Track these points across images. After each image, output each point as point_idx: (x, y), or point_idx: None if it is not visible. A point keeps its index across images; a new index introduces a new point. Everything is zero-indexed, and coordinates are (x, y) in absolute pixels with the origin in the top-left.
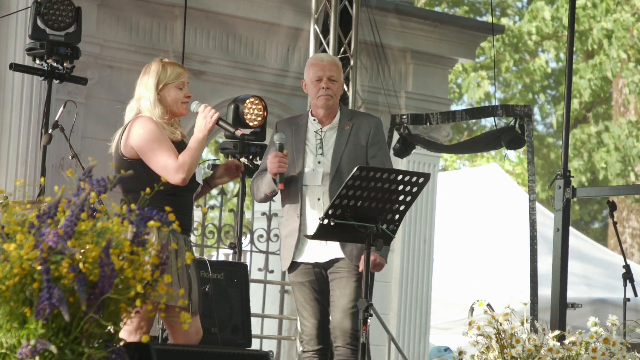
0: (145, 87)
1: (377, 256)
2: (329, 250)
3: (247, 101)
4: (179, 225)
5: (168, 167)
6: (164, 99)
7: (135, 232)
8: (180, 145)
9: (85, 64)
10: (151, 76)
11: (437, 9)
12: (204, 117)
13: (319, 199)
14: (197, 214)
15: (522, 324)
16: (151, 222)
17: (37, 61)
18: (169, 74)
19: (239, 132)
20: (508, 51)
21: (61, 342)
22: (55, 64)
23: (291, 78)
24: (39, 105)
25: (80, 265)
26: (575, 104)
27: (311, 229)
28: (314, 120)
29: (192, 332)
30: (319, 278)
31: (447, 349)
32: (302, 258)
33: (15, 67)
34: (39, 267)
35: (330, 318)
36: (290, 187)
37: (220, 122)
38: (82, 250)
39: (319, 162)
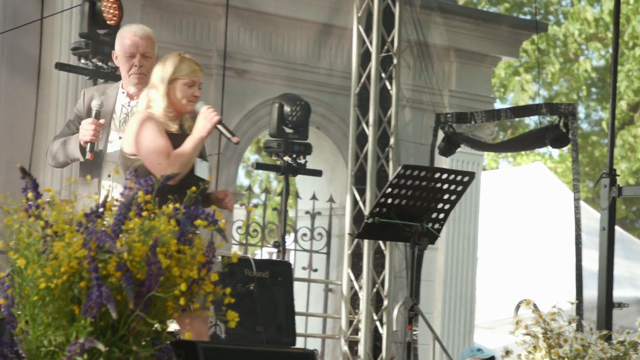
0: (157, 77)
1: None
2: None
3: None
4: None
5: (159, 167)
6: (171, 92)
7: (182, 230)
8: (176, 137)
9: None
10: (165, 68)
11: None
12: (204, 117)
13: (109, 176)
14: (241, 212)
15: (570, 323)
16: (198, 221)
17: (82, 60)
18: (181, 69)
19: (235, 139)
20: (552, 52)
21: (109, 340)
22: (100, 63)
23: (335, 77)
24: None
25: (128, 263)
26: (622, 105)
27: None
28: (123, 93)
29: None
30: None
31: (479, 349)
32: None
33: (60, 66)
34: (87, 266)
35: None
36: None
37: (220, 126)
38: (129, 249)
39: (120, 138)
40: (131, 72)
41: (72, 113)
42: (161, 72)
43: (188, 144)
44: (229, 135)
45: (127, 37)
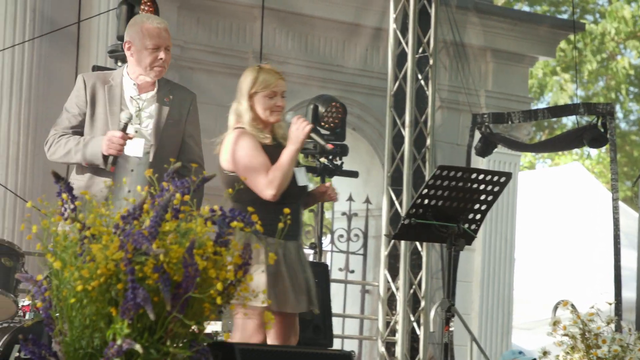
0: (240, 92)
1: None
2: None
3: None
4: (287, 233)
5: (258, 184)
6: (254, 106)
7: (218, 232)
8: (271, 149)
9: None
10: (245, 82)
11: (516, 6)
12: (295, 128)
13: (132, 170)
14: None
15: (608, 324)
16: (234, 223)
17: (119, 63)
18: (260, 82)
19: (329, 146)
20: (590, 51)
21: (146, 341)
22: None
23: (370, 78)
24: None
25: (165, 265)
26: None
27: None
28: (135, 85)
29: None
30: None
31: (520, 352)
32: None
33: (97, 69)
34: (124, 268)
35: None
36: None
37: (312, 135)
38: (166, 251)
39: (136, 132)
40: (156, 64)
41: (75, 102)
42: (242, 86)
43: (284, 158)
44: (322, 142)
45: (152, 28)
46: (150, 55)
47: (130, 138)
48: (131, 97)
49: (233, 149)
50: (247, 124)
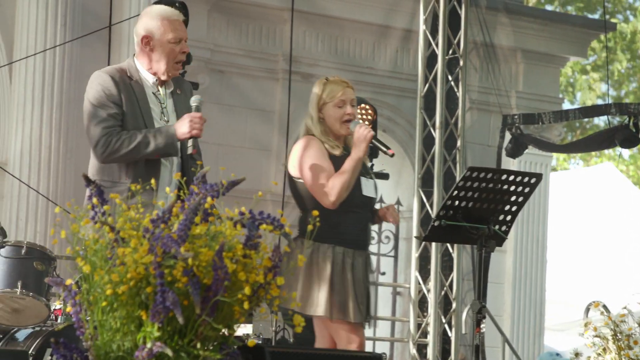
0: (310, 105)
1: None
2: None
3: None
4: (355, 242)
5: (318, 190)
6: (325, 117)
7: (248, 235)
8: (340, 160)
9: (197, 69)
10: (313, 95)
11: (548, 6)
12: (357, 136)
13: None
14: None
15: None
16: (263, 226)
17: None
18: (327, 93)
19: (390, 152)
20: (621, 49)
21: (176, 344)
22: None
23: (400, 79)
24: None
25: (195, 268)
26: None
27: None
28: (155, 81)
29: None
30: None
31: (558, 354)
32: None
33: None
34: (153, 272)
35: None
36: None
37: (373, 140)
38: (195, 254)
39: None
40: (179, 59)
41: (109, 100)
42: (311, 99)
43: (345, 166)
44: (383, 149)
45: (172, 20)
46: (174, 48)
47: (205, 120)
48: (153, 92)
49: (298, 155)
50: (318, 136)
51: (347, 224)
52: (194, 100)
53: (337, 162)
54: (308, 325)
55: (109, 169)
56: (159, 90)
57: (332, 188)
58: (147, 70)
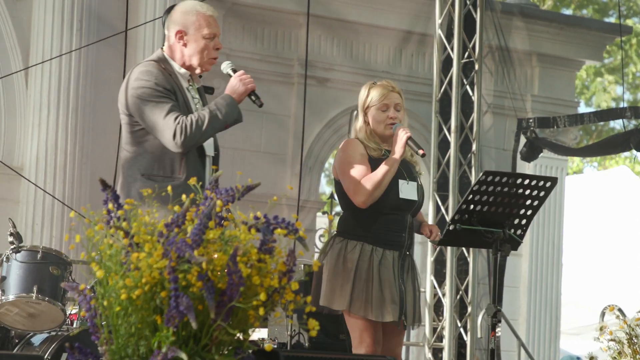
0: (358, 109)
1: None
2: None
3: None
4: (386, 242)
5: (350, 190)
6: (369, 120)
7: (263, 239)
8: (381, 162)
9: (212, 74)
10: (360, 98)
11: (564, 10)
12: (394, 139)
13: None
14: (323, 221)
15: None
16: (278, 230)
17: None
18: (371, 97)
19: (421, 152)
20: (635, 53)
21: (191, 349)
22: None
23: (416, 84)
24: None
25: (209, 273)
26: None
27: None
28: (190, 81)
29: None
30: None
31: (578, 358)
32: None
33: None
34: (168, 276)
35: None
36: (190, 156)
37: (409, 142)
38: (209, 259)
39: None
40: (213, 55)
41: (164, 93)
42: (358, 103)
43: (379, 169)
44: (416, 149)
45: (207, 16)
46: (208, 44)
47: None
48: (186, 88)
49: (338, 157)
50: (362, 138)
51: (379, 224)
52: (226, 65)
53: (377, 164)
54: (334, 323)
55: (162, 164)
56: (190, 85)
57: (363, 187)
58: (180, 65)
